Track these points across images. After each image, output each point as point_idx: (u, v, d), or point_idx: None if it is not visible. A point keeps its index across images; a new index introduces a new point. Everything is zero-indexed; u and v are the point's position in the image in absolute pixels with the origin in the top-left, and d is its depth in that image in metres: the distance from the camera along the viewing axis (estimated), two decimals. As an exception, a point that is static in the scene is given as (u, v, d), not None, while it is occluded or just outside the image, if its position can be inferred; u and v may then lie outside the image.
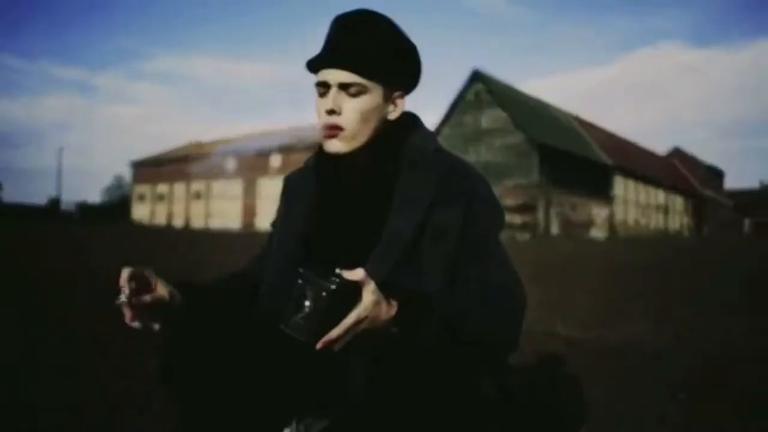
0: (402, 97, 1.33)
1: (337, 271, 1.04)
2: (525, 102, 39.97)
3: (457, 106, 37.34)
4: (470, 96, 36.91)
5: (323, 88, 1.26)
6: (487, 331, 1.18)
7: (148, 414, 2.26)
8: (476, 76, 36.83)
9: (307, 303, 1.03)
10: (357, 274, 1.05)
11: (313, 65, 1.26)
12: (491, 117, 35.91)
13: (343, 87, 1.23)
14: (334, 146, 1.26)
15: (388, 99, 1.30)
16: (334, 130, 1.25)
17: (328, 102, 1.23)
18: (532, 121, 36.62)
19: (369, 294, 1.05)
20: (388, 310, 1.09)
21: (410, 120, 1.38)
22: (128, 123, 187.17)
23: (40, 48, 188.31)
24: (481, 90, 36.53)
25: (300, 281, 1.05)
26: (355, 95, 1.24)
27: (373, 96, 1.25)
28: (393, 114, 1.32)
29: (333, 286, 1.02)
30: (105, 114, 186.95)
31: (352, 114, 1.24)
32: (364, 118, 1.25)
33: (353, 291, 1.05)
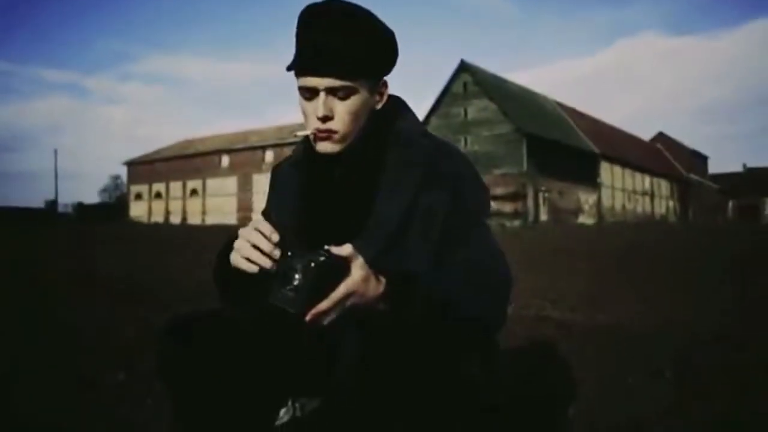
0: (386, 85, 1.30)
1: (326, 247, 1.06)
2: (512, 92, 40.55)
3: (444, 97, 37.92)
4: (458, 87, 37.48)
5: (309, 92, 1.22)
6: (473, 309, 1.18)
7: (145, 406, 2.30)
8: (463, 67, 37.41)
9: (296, 276, 1.04)
10: (345, 249, 1.06)
11: (298, 71, 1.22)
12: (479, 107, 36.52)
13: (332, 91, 1.20)
14: (328, 147, 1.26)
15: (375, 91, 1.28)
16: (327, 133, 1.23)
17: (320, 108, 1.20)
18: (520, 111, 37.23)
19: (357, 268, 1.07)
20: (377, 287, 1.10)
21: (395, 104, 1.37)
22: (120, 124, 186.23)
23: (30, 52, 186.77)
24: (469, 81, 37.12)
25: (288, 254, 1.06)
26: (344, 98, 1.21)
27: (362, 94, 1.23)
28: (380, 104, 1.30)
29: (321, 258, 1.04)
30: (97, 115, 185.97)
31: (345, 117, 1.22)
32: (356, 116, 1.24)
33: (342, 265, 1.06)
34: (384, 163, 1.28)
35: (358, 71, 1.21)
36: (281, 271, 1.06)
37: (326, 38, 1.18)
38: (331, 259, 1.05)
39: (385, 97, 1.31)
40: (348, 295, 1.06)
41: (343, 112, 1.22)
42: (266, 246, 1.09)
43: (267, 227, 1.11)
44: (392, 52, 1.29)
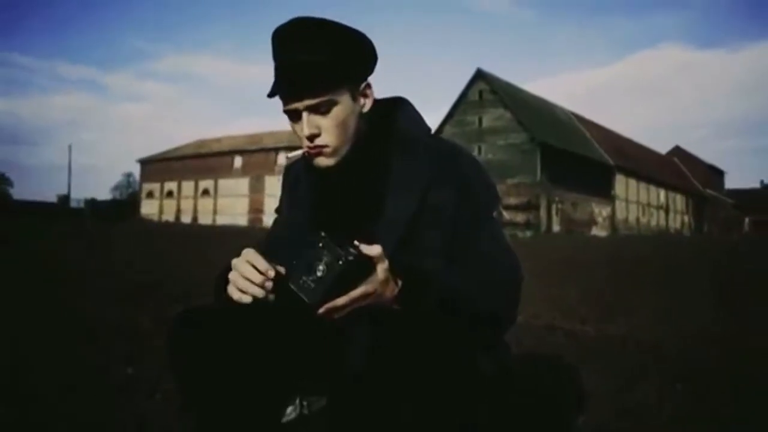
0: (369, 86, 1.30)
1: (356, 243, 1.05)
2: (528, 101, 40.43)
3: (460, 105, 37.90)
4: (473, 95, 37.45)
5: (293, 114, 1.24)
6: (484, 305, 1.18)
7: (154, 399, 2.33)
8: (479, 75, 37.36)
9: (320, 267, 1.03)
10: (374, 249, 1.06)
11: (279, 96, 1.24)
12: (494, 116, 36.44)
13: (312, 108, 1.21)
14: (323, 162, 1.27)
15: (357, 96, 1.27)
16: (318, 149, 1.25)
17: (304, 128, 1.22)
18: (535, 121, 37.10)
19: (382, 271, 1.07)
20: (393, 289, 1.10)
21: (398, 105, 1.37)
22: (137, 121, 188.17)
23: (51, 47, 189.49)
24: (485, 89, 37.05)
25: (319, 244, 1.05)
26: (326, 112, 1.22)
27: (344, 103, 1.23)
28: (367, 106, 1.30)
29: (350, 257, 1.03)
30: (114, 112, 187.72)
31: (331, 130, 1.23)
32: (343, 127, 1.24)
33: (366, 265, 1.06)
34: (389, 165, 1.29)
35: (333, 84, 1.21)
36: (307, 258, 1.05)
37: (294, 59, 1.19)
38: (358, 258, 1.04)
39: (371, 98, 1.30)
40: (366, 296, 1.06)
41: (328, 126, 1.23)
42: (258, 278, 1.07)
43: (260, 261, 1.09)
44: (365, 56, 1.27)
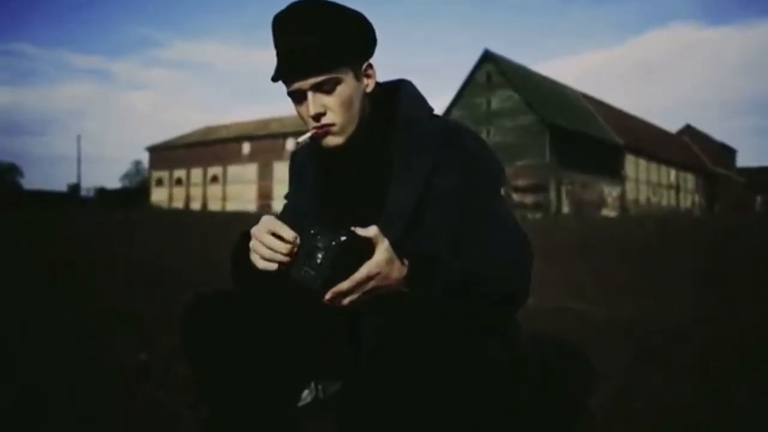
0: (371, 66, 1.31)
1: (352, 228, 1.06)
2: (536, 82, 40.00)
3: (467, 87, 37.53)
4: (481, 77, 37.05)
5: (298, 96, 1.25)
6: (494, 283, 1.18)
7: (165, 388, 2.32)
8: (487, 57, 36.95)
9: (319, 254, 1.04)
10: (370, 230, 1.07)
11: (281, 79, 1.25)
12: (502, 98, 36.07)
13: (317, 87, 1.22)
14: (331, 141, 1.27)
15: (360, 75, 1.28)
16: (325, 128, 1.25)
17: (310, 106, 1.23)
18: (544, 102, 36.73)
19: (382, 251, 1.07)
20: (401, 270, 1.10)
21: (402, 87, 1.38)
22: (144, 109, 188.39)
23: (56, 36, 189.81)
24: (493, 71, 36.64)
25: (312, 231, 1.06)
26: (330, 91, 1.23)
27: (348, 82, 1.24)
28: (370, 86, 1.31)
29: (344, 237, 1.04)
30: (121, 101, 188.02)
31: (336, 108, 1.24)
32: (348, 106, 1.25)
33: (366, 247, 1.06)
34: (393, 148, 1.29)
35: (335, 62, 1.22)
36: (305, 248, 1.06)
37: (296, 40, 1.21)
38: (354, 240, 1.04)
39: (374, 78, 1.32)
40: (370, 277, 1.07)
41: (333, 104, 1.24)
42: (282, 246, 1.10)
43: (283, 229, 1.11)
44: (365, 36, 1.29)
